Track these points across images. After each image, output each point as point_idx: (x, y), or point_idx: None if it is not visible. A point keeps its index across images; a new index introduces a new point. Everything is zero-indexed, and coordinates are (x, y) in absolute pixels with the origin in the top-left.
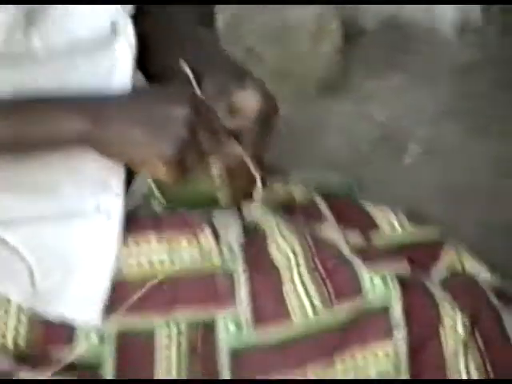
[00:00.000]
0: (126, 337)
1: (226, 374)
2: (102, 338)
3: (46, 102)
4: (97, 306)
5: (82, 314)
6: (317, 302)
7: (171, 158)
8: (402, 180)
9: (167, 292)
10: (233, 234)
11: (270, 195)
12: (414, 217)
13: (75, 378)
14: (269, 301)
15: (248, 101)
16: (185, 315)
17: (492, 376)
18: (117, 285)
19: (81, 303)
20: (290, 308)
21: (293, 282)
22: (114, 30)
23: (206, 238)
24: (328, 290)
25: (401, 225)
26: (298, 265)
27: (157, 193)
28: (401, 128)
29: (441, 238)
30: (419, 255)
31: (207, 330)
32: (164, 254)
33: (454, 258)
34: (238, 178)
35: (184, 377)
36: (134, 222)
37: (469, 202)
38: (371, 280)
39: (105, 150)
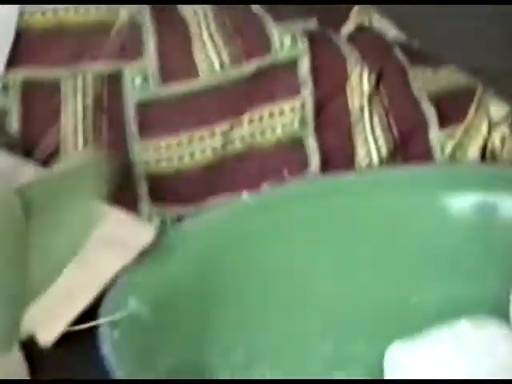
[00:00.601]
0: (30, 86)
1: (132, 128)
2: (6, 88)
3: None
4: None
5: None
6: (225, 58)
7: None
8: None
9: (73, 43)
10: None
11: None
12: None
13: None
14: (177, 56)
15: None
16: (91, 67)
17: (394, 129)
18: (21, 34)
19: None
20: (197, 64)
21: (201, 37)
22: None
23: None
24: (237, 47)
25: None
26: (206, 21)
27: None
28: None
29: None
30: (329, 16)
31: (113, 82)
32: None
33: (362, 15)
34: None
35: (90, 130)
36: None
37: None
38: (280, 37)
39: None
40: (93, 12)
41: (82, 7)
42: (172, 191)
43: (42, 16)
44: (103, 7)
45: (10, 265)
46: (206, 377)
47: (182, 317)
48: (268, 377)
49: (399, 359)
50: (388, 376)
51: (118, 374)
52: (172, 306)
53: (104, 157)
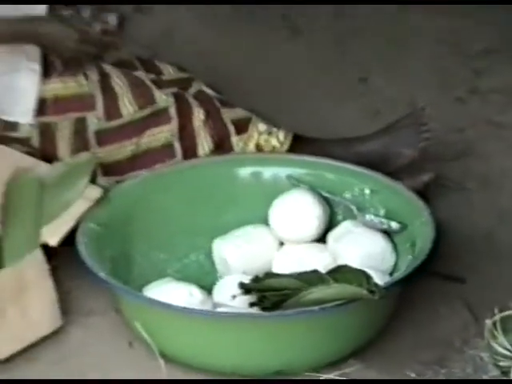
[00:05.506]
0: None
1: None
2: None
3: None
4: None
5: None
6: (135, 106)
7: None
8: None
9: None
10: None
11: None
12: None
13: None
14: (111, 106)
15: None
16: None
17: (216, 137)
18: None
19: None
20: (121, 110)
21: (123, 97)
22: None
23: None
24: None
25: None
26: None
27: None
28: None
29: None
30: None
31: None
32: None
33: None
34: None
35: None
36: None
37: None
38: (160, 95)
39: None
40: None
41: None
42: (112, 170)
43: None
44: None
45: (35, 210)
46: (130, 260)
47: (119, 231)
48: (161, 258)
49: (219, 246)
50: (215, 255)
51: (88, 261)
52: (113, 226)
53: (88, 159)
